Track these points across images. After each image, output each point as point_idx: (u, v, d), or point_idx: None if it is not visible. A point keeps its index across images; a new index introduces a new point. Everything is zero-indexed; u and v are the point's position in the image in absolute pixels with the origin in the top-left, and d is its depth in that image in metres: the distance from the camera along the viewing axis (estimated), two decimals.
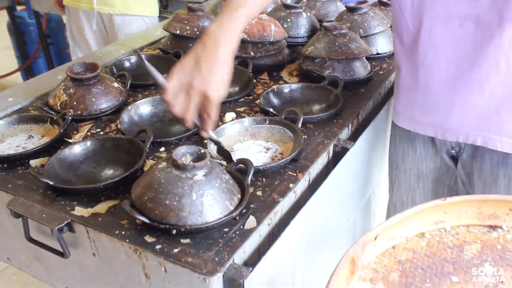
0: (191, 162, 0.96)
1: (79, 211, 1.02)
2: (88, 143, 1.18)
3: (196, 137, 1.25)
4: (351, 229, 1.38)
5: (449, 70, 1.18)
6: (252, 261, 0.93)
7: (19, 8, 3.85)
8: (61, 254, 1.03)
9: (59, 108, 1.35)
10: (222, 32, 1.09)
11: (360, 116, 1.37)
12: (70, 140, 1.25)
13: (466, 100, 1.18)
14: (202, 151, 0.99)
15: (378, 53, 1.69)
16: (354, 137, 1.30)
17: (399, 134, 1.38)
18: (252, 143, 1.24)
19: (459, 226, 1.03)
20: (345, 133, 1.29)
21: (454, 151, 1.30)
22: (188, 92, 1.07)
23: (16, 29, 3.69)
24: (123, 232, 0.96)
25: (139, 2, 2.39)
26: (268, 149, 1.22)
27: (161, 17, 2.53)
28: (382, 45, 1.70)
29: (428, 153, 1.35)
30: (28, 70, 3.75)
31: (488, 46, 1.11)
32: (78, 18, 2.47)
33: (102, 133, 1.29)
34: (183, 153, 0.99)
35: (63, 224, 0.99)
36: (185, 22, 1.69)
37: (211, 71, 1.06)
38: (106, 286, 1.06)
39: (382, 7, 1.90)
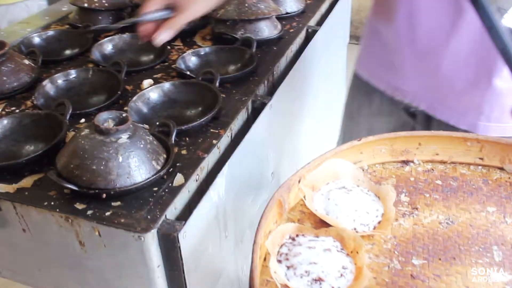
0: (114, 126, 0.97)
1: (3, 187, 1.00)
2: (5, 121, 1.16)
3: (115, 106, 1.25)
4: (276, 182, 1.43)
5: (409, 35, 1.21)
6: (184, 217, 0.96)
7: None
8: None
9: None
10: None
11: (275, 73, 1.41)
12: None
13: (416, 66, 1.22)
14: (124, 115, 1.00)
15: (287, 12, 1.73)
16: (271, 93, 1.34)
17: (358, 85, 1.41)
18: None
19: (375, 164, 1.10)
20: (262, 90, 1.33)
21: (412, 109, 1.33)
22: None
23: None
24: (52, 203, 0.96)
25: None
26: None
27: None
28: (290, 4, 1.74)
29: (383, 110, 1.38)
30: None
31: (461, 18, 1.12)
32: None
33: (17, 111, 1.26)
34: (105, 118, 0.99)
35: None
36: None
37: None
38: (40, 262, 1.06)
39: None
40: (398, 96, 1.31)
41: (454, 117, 1.25)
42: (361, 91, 1.42)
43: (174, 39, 1.56)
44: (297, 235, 0.92)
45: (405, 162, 1.10)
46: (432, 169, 1.07)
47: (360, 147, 1.08)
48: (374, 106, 1.40)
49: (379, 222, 0.95)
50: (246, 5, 1.52)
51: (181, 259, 0.91)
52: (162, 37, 1.06)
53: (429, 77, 1.23)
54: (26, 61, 1.39)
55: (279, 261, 0.85)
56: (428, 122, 1.32)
